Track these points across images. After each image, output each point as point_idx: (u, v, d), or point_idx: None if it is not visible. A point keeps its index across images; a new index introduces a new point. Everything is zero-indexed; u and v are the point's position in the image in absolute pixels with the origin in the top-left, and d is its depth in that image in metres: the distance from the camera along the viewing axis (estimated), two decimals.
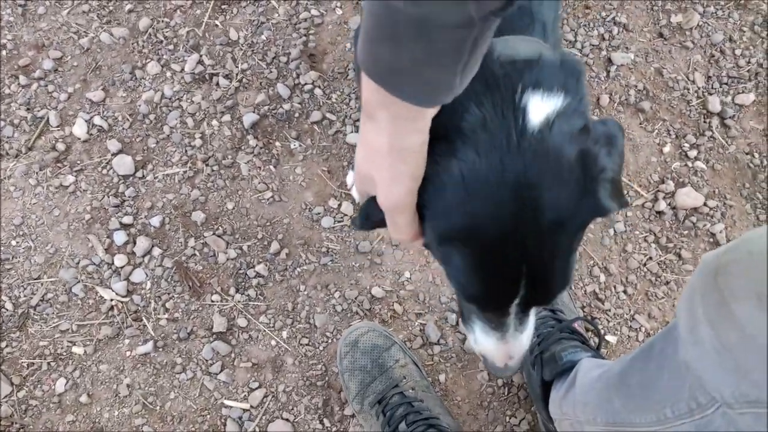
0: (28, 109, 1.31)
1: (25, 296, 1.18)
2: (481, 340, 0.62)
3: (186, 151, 1.30)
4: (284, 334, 1.18)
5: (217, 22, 1.43)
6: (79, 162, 1.28)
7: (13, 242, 1.22)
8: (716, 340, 0.52)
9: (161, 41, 1.39)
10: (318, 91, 1.36)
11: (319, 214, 1.26)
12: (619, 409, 0.72)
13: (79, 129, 1.30)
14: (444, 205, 0.52)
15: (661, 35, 1.46)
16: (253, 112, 1.33)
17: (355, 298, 1.20)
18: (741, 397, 0.51)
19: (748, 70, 1.43)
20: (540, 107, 0.52)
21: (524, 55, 0.54)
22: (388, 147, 0.49)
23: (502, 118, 0.51)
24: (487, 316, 0.60)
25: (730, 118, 1.37)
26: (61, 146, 1.28)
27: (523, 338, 0.61)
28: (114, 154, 1.28)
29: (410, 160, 0.50)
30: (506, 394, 1.16)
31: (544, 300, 0.57)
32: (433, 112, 0.49)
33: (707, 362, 0.54)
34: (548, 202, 0.50)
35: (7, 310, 1.17)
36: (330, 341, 1.18)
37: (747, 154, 1.36)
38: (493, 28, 0.42)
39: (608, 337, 1.20)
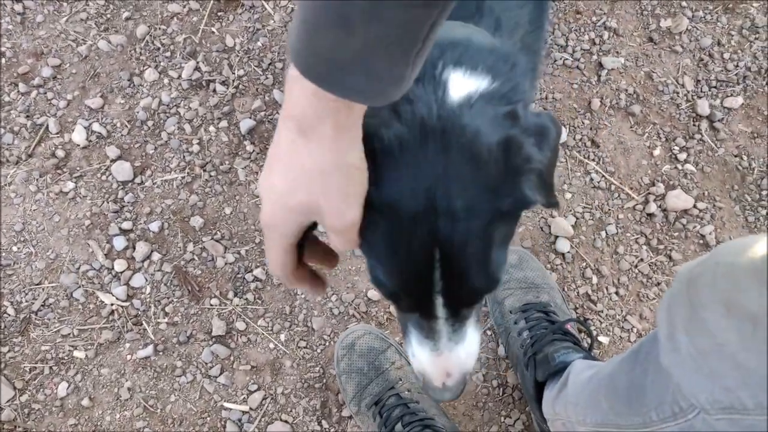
0: (27, 116, 1.32)
1: (26, 301, 1.19)
2: (417, 352, 0.58)
3: (184, 156, 1.31)
4: (282, 337, 1.19)
5: (213, 29, 1.44)
6: (78, 168, 1.29)
7: (14, 248, 1.23)
8: (691, 347, 0.54)
9: (158, 48, 1.41)
10: None
11: None
12: (606, 411, 0.74)
13: (79, 136, 1.31)
14: (373, 173, 0.48)
15: (651, 39, 1.47)
16: (250, 117, 1.35)
17: (352, 301, 1.22)
18: (715, 404, 0.53)
19: (736, 74, 1.44)
20: (461, 85, 0.51)
21: (452, 37, 0.53)
22: (333, 166, 0.44)
23: (423, 90, 0.49)
24: (418, 322, 0.56)
25: (718, 121, 1.39)
26: (60, 153, 1.30)
27: (460, 351, 0.57)
28: (113, 161, 1.29)
29: (357, 177, 0.46)
30: (501, 394, 1.17)
31: (467, 298, 0.53)
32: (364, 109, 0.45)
33: (684, 369, 0.56)
34: (459, 184, 0.47)
35: (9, 315, 1.18)
36: (327, 344, 1.19)
37: (735, 156, 1.38)
38: (448, 12, 0.38)
39: (601, 338, 1.22)
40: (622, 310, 1.25)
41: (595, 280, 1.26)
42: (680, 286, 0.57)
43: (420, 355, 0.58)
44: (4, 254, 1.22)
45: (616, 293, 1.26)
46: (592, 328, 1.22)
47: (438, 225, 0.48)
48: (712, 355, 0.52)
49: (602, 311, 1.24)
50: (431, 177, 0.48)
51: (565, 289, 1.25)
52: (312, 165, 0.44)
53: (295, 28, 0.40)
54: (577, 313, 1.24)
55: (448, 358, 0.57)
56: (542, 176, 0.51)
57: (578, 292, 1.26)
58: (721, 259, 0.52)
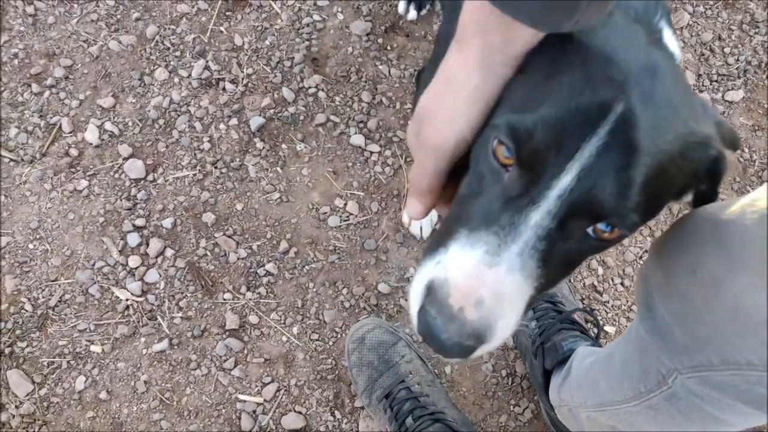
0: (41, 116, 1.33)
1: (43, 297, 1.20)
2: (458, 252, 0.42)
3: (195, 154, 1.32)
4: (295, 330, 1.21)
5: (222, 29, 1.45)
6: (91, 167, 1.30)
7: (31, 245, 1.24)
8: (665, 313, 0.55)
9: (168, 48, 1.41)
10: (322, 94, 1.38)
11: (325, 213, 1.28)
12: (604, 390, 0.75)
13: (91, 135, 1.32)
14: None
15: None
16: (260, 115, 1.35)
17: (363, 294, 1.23)
18: (686, 362, 0.55)
19: (736, 68, 1.45)
20: (671, 40, 0.52)
21: None
22: (465, 79, 0.43)
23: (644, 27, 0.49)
24: (491, 207, 0.42)
25: (720, 114, 1.40)
26: (74, 152, 1.30)
27: (513, 282, 0.40)
28: (125, 159, 1.30)
29: (481, 101, 0.43)
30: (510, 384, 1.19)
31: (587, 206, 0.40)
32: (528, 47, 0.42)
33: (660, 334, 0.57)
34: (669, 108, 0.41)
35: (27, 311, 1.19)
36: (339, 336, 1.20)
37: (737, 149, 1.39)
38: None
39: (607, 328, 1.23)
40: (627, 301, 1.26)
41: (600, 271, 1.27)
42: (652, 255, 0.58)
43: (459, 256, 0.41)
44: (20, 251, 1.23)
45: (622, 284, 1.27)
46: (599, 317, 1.23)
47: (632, 100, 0.39)
48: (683, 317, 0.53)
49: (608, 301, 1.25)
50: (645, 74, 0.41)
51: (572, 280, 1.26)
52: (452, 73, 0.43)
53: None
54: (583, 303, 1.25)
55: (501, 280, 0.39)
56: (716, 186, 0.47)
57: (584, 283, 1.27)
58: (688, 228, 0.53)
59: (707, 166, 0.45)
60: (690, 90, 0.47)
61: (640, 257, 1.29)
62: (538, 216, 0.40)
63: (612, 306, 1.25)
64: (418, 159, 0.46)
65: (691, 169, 0.43)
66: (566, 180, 0.39)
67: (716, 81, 1.44)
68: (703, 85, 1.44)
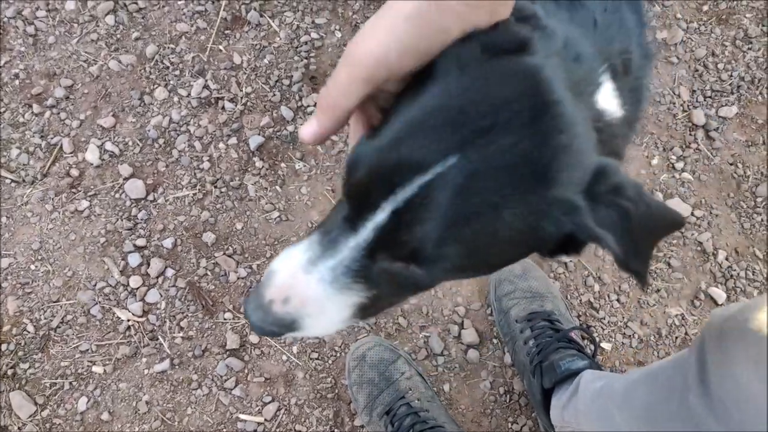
0: (42, 136, 1.34)
1: (45, 318, 1.21)
2: (292, 253, 0.49)
3: (195, 173, 1.33)
4: (294, 349, 1.22)
5: (221, 47, 1.46)
6: (92, 187, 1.31)
7: (32, 266, 1.24)
8: (723, 396, 0.56)
9: (168, 67, 1.42)
10: None
11: None
12: (620, 424, 0.76)
13: (92, 155, 1.32)
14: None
15: None
16: (259, 134, 1.37)
17: None
18: None
19: (730, 84, 1.47)
20: (609, 98, 0.54)
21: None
22: (401, 6, 0.42)
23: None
24: (328, 229, 0.48)
25: (714, 130, 1.42)
26: (74, 172, 1.31)
27: (326, 297, 0.47)
28: (126, 179, 1.31)
29: (411, 29, 0.43)
30: (508, 401, 1.20)
31: (395, 241, 0.44)
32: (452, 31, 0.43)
33: (715, 414, 0.58)
34: (517, 135, 0.44)
35: (29, 332, 1.20)
36: (338, 355, 1.21)
37: (731, 164, 1.40)
38: None
39: (603, 344, 1.24)
40: (623, 317, 1.27)
41: (597, 287, 1.28)
42: (713, 334, 0.59)
43: (290, 256, 0.49)
44: (22, 273, 1.24)
45: (618, 300, 1.28)
46: (595, 334, 1.24)
47: (465, 147, 0.42)
48: (742, 405, 0.54)
49: (604, 318, 1.27)
50: (504, 102, 0.43)
51: (568, 297, 1.28)
52: (389, 4, 0.43)
53: None
54: (580, 320, 1.26)
55: (308, 286, 0.47)
56: (628, 223, 0.44)
57: (581, 300, 1.28)
58: (749, 315, 0.54)
59: (553, 233, 0.45)
60: (575, 146, 0.44)
61: None
62: (354, 242, 0.46)
63: (608, 322, 1.26)
64: (333, 73, 0.45)
65: (525, 236, 0.44)
66: (380, 217, 0.44)
67: (710, 97, 1.46)
68: (697, 101, 1.45)
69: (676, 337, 1.26)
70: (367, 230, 0.45)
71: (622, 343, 1.25)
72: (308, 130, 0.48)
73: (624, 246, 0.45)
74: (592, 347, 1.16)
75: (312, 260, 0.47)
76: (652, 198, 0.46)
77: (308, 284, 0.47)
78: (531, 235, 0.45)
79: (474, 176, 0.42)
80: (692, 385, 0.62)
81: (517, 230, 0.44)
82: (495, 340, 1.23)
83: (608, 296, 1.28)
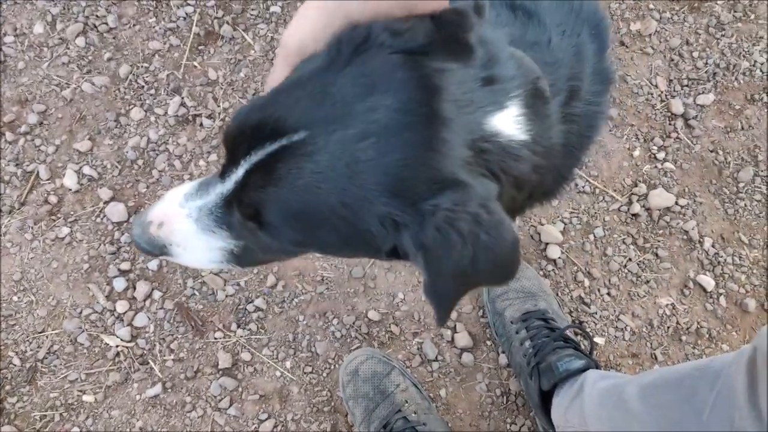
0: (17, 164, 1.33)
1: (31, 350, 1.20)
2: (181, 189, 0.55)
3: None
4: (288, 364, 1.21)
5: (195, 64, 1.45)
6: (72, 213, 1.30)
7: (15, 298, 1.23)
8: None
9: (142, 86, 1.42)
10: None
11: None
12: (636, 428, 0.76)
13: (70, 180, 1.31)
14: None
15: (622, 43, 1.51)
16: None
17: (353, 323, 1.24)
18: None
19: (706, 72, 1.49)
20: (508, 123, 0.55)
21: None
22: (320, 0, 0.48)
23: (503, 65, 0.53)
24: (215, 177, 0.52)
25: (693, 118, 1.44)
26: (53, 199, 1.30)
27: (195, 236, 0.52)
28: (106, 202, 1.30)
29: (324, 17, 0.49)
30: (505, 402, 1.21)
31: (246, 197, 0.48)
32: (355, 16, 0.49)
33: None
34: (387, 139, 0.47)
35: (15, 365, 1.19)
36: (333, 367, 1.21)
37: (711, 152, 1.42)
38: None
39: (597, 339, 1.26)
40: (615, 310, 1.29)
41: (587, 282, 1.30)
42: (762, 359, 0.58)
43: (177, 191, 0.55)
44: (4, 305, 1.23)
45: (608, 294, 1.30)
46: (588, 329, 1.26)
47: (316, 127, 0.46)
48: None
49: (596, 313, 1.28)
50: (384, 95, 0.46)
51: (559, 294, 1.29)
52: None
53: None
54: (572, 316, 1.28)
55: (177, 218, 0.53)
56: (444, 254, 0.44)
57: (572, 296, 1.29)
58: None
59: (379, 240, 0.46)
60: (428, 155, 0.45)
61: (625, 266, 1.31)
62: (219, 190, 0.51)
63: (600, 317, 1.28)
64: (273, 67, 0.52)
65: (353, 233, 0.47)
66: (239, 172, 0.49)
67: (687, 86, 1.48)
68: (675, 90, 1.47)
69: (668, 327, 1.27)
70: (230, 181, 0.49)
71: (615, 336, 1.27)
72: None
73: (432, 275, 0.46)
74: (587, 344, 1.18)
75: (187, 197, 0.53)
76: (492, 236, 0.45)
77: (177, 216, 0.53)
78: (359, 234, 0.47)
79: (313, 159, 0.45)
80: (741, 406, 0.60)
81: (344, 224, 0.47)
82: (489, 342, 1.24)
83: (598, 290, 1.30)
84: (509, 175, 0.50)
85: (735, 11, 1.54)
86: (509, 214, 0.48)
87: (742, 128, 1.44)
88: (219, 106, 1.41)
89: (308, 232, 0.49)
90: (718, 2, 1.55)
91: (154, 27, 1.48)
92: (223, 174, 0.51)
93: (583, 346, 1.15)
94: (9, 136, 1.34)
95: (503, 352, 1.22)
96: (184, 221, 0.53)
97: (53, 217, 1.29)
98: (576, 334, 1.21)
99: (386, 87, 0.46)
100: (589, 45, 0.65)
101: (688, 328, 1.27)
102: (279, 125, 0.47)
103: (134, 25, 1.48)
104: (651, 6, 1.55)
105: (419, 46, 0.48)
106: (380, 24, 0.48)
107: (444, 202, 0.44)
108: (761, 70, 1.48)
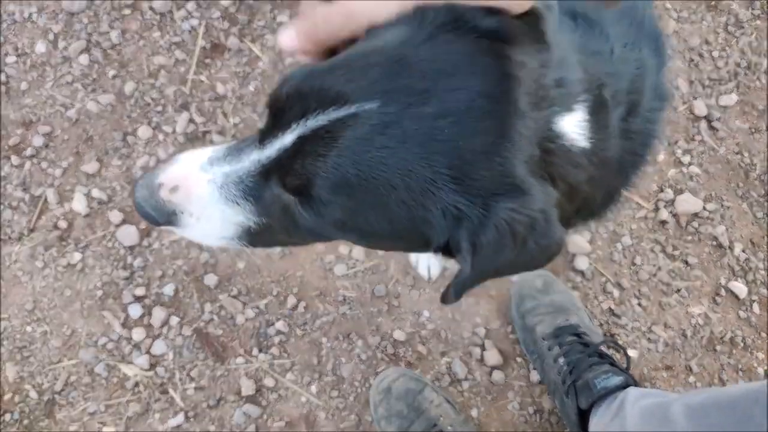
0: (24, 189, 1.30)
1: (48, 382, 1.17)
2: (205, 153, 0.50)
3: None
4: (313, 388, 1.19)
5: (202, 78, 1.43)
6: (83, 238, 1.27)
7: (28, 328, 1.20)
8: None
9: (149, 103, 1.39)
10: None
11: (331, 262, 1.27)
12: None
13: (79, 204, 1.29)
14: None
15: None
16: None
17: (379, 344, 1.22)
18: None
19: (727, 71, 1.47)
20: (574, 127, 0.55)
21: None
22: None
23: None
24: (244, 143, 0.48)
25: (716, 120, 1.42)
26: (63, 224, 1.27)
27: (206, 190, 0.47)
28: (117, 226, 1.28)
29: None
30: (539, 420, 1.18)
31: (294, 170, 0.45)
32: None
33: None
34: (460, 126, 0.45)
35: (32, 398, 1.16)
36: (359, 390, 1.19)
37: (737, 154, 1.41)
38: None
39: (629, 352, 1.23)
40: (646, 321, 1.27)
41: (616, 293, 1.28)
42: None
43: (198, 153, 0.49)
44: (18, 336, 1.20)
45: (639, 305, 1.28)
46: (620, 342, 1.24)
47: (390, 97, 0.43)
48: None
49: (627, 324, 1.26)
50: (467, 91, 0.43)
51: (588, 306, 1.27)
52: None
53: None
54: (603, 329, 1.26)
55: (197, 183, 0.47)
56: (496, 254, 0.44)
57: (601, 308, 1.27)
58: None
59: (435, 232, 0.45)
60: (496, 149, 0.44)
61: (654, 275, 1.30)
62: (257, 156, 0.46)
63: (632, 328, 1.26)
64: (326, 13, 0.45)
65: (414, 210, 0.44)
66: (288, 138, 0.44)
67: (709, 86, 1.46)
68: (696, 92, 1.45)
69: (702, 337, 1.26)
70: (272, 148, 0.45)
71: (648, 348, 1.25)
72: (288, 42, 0.48)
73: (474, 272, 0.45)
74: (618, 356, 1.16)
75: (212, 161, 0.48)
76: (540, 245, 0.45)
77: (198, 181, 0.47)
78: (415, 222, 0.44)
79: (385, 131, 0.42)
80: None
81: (402, 209, 0.44)
82: (519, 359, 1.22)
83: (629, 301, 1.28)
84: (566, 182, 0.49)
85: (753, 9, 1.53)
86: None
87: (767, 128, 1.43)
88: (229, 121, 1.38)
89: (359, 213, 0.45)
90: (735, 0, 1.54)
91: (158, 41, 1.45)
92: (263, 139, 0.46)
93: (617, 359, 1.13)
94: (15, 159, 1.31)
95: (534, 369, 1.20)
96: (205, 187, 0.47)
97: (64, 243, 1.26)
98: (609, 347, 1.19)
99: (472, 69, 0.44)
100: (651, 60, 0.63)
101: (722, 338, 1.25)
102: (346, 91, 0.43)
103: (138, 41, 1.45)
104: (668, 6, 1.53)
105: (505, 35, 0.46)
106: (474, 7, 0.46)
107: (509, 201, 0.43)
108: None
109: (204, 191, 0.48)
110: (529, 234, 0.44)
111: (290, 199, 0.46)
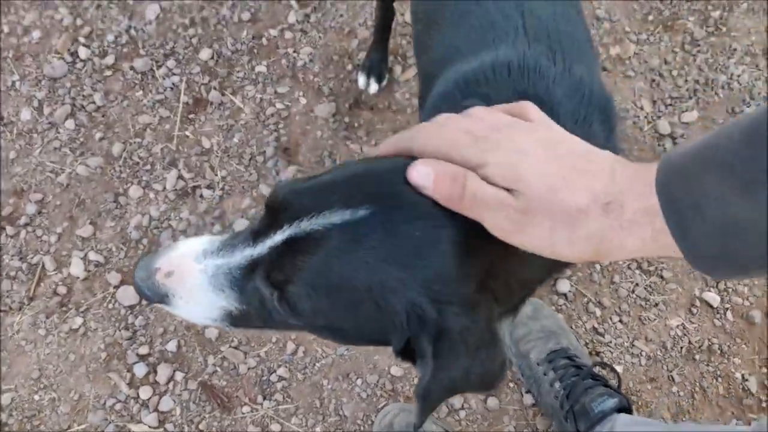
0: (21, 258, 1.31)
1: None
2: (197, 240, 0.54)
3: None
4: (318, 430, 1.22)
5: (187, 133, 1.45)
6: (83, 302, 1.28)
7: (36, 397, 1.22)
8: None
9: (138, 163, 1.41)
10: None
11: None
12: None
13: (77, 268, 1.30)
14: None
15: (604, 69, 1.54)
16: (242, 217, 1.36)
17: (377, 382, 1.25)
18: None
19: (687, 89, 1.53)
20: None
21: None
22: (618, 249, 0.41)
23: None
24: (238, 235, 0.52)
25: (680, 137, 1.47)
26: (62, 289, 1.29)
27: (197, 279, 0.51)
28: (116, 287, 1.29)
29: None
30: None
31: (279, 269, 0.48)
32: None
33: None
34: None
35: None
36: (362, 428, 1.22)
37: None
38: None
39: (616, 367, 1.28)
40: (628, 337, 1.31)
41: (598, 312, 1.32)
42: None
43: (195, 242, 0.53)
44: (27, 405, 1.21)
45: (620, 321, 1.32)
46: (606, 359, 1.28)
47: (379, 204, 0.46)
48: None
49: (610, 342, 1.30)
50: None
51: (573, 326, 1.31)
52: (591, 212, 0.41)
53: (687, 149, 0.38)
54: (588, 348, 1.30)
55: (190, 271, 0.51)
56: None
57: (585, 328, 1.31)
58: None
59: (406, 319, 0.47)
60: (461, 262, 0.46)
61: (633, 291, 1.34)
62: (248, 252, 0.50)
63: (615, 345, 1.30)
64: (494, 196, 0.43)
65: (384, 313, 0.47)
66: (278, 237, 0.48)
67: (671, 105, 1.51)
68: (660, 111, 1.50)
69: (681, 348, 1.30)
70: (263, 246, 0.49)
71: (632, 363, 1.29)
72: (422, 181, 0.47)
73: (434, 379, 0.47)
74: (608, 374, 1.20)
75: (206, 253, 0.52)
76: (488, 356, 0.48)
77: (191, 270, 0.52)
78: (382, 321, 0.47)
79: (366, 239, 0.45)
80: None
81: (373, 308, 0.47)
82: (511, 384, 1.26)
83: (611, 319, 1.32)
84: (512, 282, 0.52)
85: (707, 26, 1.58)
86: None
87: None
88: (217, 174, 1.40)
89: (332, 313, 0.49)
90: (690, 19, 1.59)
91: (142, 100, 1.47)
92: (256, 238, 0.50)
93: (609, 378, 1.17)
94: (9, 229, 1.32)
95: (528, 392, 1.24)
96: (197, 276, 0.52)
97: (64, 309, 1.28)
98: (600, 368, 1.23)
99: None
100: (601, 133, 0.67)
101: (700, 347, 1.30)
102: (338, 199, 0.47)
103: (122, 101, 1.47)
104: (627, 29, 1.58)
105: None
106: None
107: (466, 311, 0.46)
108: (738, 82, 1.53)
109: (195, 279, 0.52)
110: (481, 344, 0.48)
111: (269, 292, 0.50)
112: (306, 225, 0.47)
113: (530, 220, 0.41)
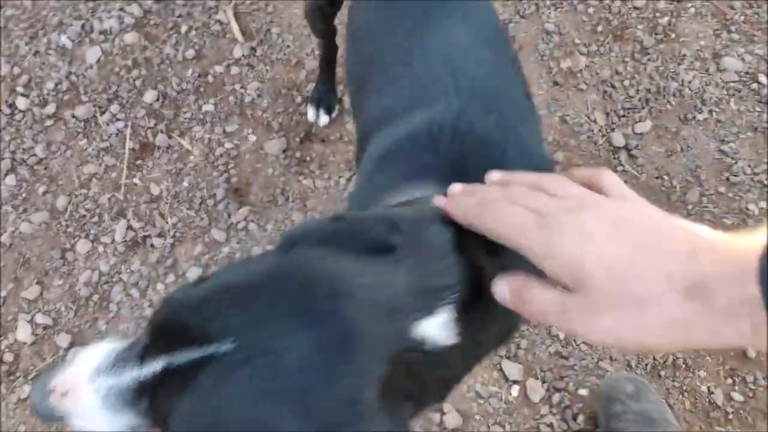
0: None
1: None
2: (94, 348, 0.50)
3: (140, 323, 1.27)
4: None
5: (135, 181, 1.40)
6: (31, 368, 1.23)
7: None
8: None
9: (84, 215, 1.36)
10: (252, 226, 1.36)
11: None
12: None
13: (23, 332, 1.25)
14: None
15: (556, 83, 1.52)
16: (195, 265, 1.32)
17: None
18: None
19: (639, 99, 1.51)
20: (439, 329, 0.51)
21: None
22: (708, 336, 0.36)
23: None
24: (132, 348, 0.48)
25: (635, 148, 1.45)
26: (8, 357, 1.23)
27: (90, 400, 0.47)
28: (66, 349, 1.24)
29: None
30: None
31: (154, 409, 0.45)
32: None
33: None
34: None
35: None
36: None
37: (657, 178, 1.44)
38: None
39: (580, 392, 1.26)
40: (593, 358, 1.29)
41: (561, 335, 1.30)
42: None
43: (91, 355, 0.49)
44: None
45: (584, 343, 1.30)
46: (571, 384, 1.26)
47: (245, 334, 0.42)
48: None
49: (575, 365, 1.28)
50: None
51: (537, 352, 1.28)
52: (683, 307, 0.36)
53: None
54: (552, 373, 1.27)
55: (84, 392, 0.47)
56: None
57: (549, 352, 1.29)
58: None
59: None
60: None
61: None
62: (136, 373, 0.47)
63: (580, 368, 1.28)
64: (554, 305, 0.41)
65: None
66: (156, 367, 0.44)
67: (624, 116, 1.49)
68: (613, 123, 1.48)
69: (646, 365, 1.28)
70: (148, 369, 0.45)
71: (597, 384, 1.27)
72: (505, 297, 0.45)
73: None
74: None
75: (99, 370, 0.49)
76: None
77: (85, 390, 0.49)
78: None
79: (237, 372, 0.41)
80: None
81: None
82: (477, 416, 1.23)
83: (574, 341, 1.30)
84: (427, 380, 0.48)
85: (656, 33, 1.57)
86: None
87: (682, 150, 1.46)
88: (167, 222, 1.36)
89: None
90: (639, 27, 1.58)
91: (86, 149, 1.42)
92: (143, 357, 0.47)
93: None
94: None
95: None
96: (90, 396, 0.49)
97: (12, 378, 1.22)
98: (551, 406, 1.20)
99: (310, 293, 0.43)
100: None
101: (665, 362, 1.28)
102: (209, 328, 0.43)
103: (65, 151, 1.42)
104: (576, 41, 1.56)
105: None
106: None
107: (362, 427, 0.42)
108: (689, 89, 1.51)
109: (88, 401, 0.49)
110: None
111: (153, 424, 0.47)
112: (178, 358, 0.43)
113: (594, 317, 0.38)
